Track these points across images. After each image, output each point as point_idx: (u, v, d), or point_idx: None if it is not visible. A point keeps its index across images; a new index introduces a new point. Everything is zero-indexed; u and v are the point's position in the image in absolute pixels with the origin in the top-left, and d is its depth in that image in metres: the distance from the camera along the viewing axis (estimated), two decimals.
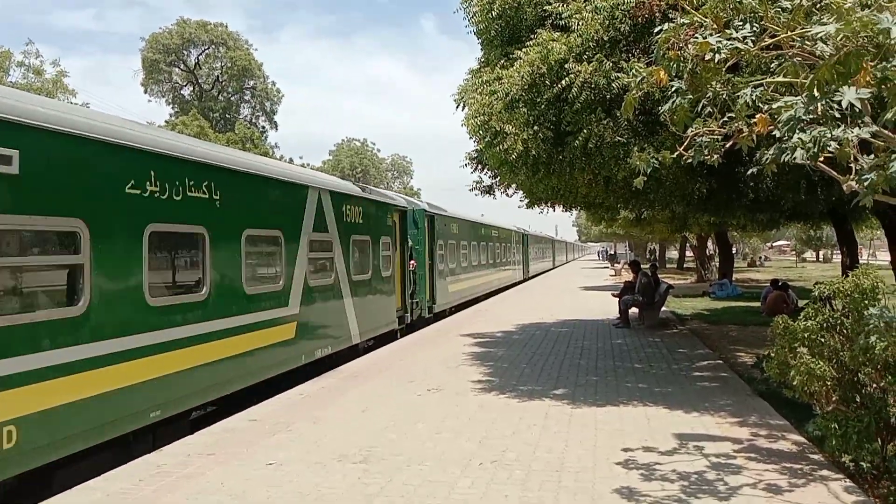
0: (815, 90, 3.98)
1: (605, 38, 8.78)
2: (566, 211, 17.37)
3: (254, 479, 5.88)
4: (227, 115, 64.51)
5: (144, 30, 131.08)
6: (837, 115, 4.14)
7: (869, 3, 4.31)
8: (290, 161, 55.54)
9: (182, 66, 64.00)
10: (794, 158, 4.31)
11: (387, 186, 79.20)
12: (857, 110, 4.10)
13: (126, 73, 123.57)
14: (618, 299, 17.55)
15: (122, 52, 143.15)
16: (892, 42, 3.64)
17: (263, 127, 66.36)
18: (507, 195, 16.52)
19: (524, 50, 9.21)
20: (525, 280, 41.34)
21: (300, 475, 5.94)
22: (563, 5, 9.10)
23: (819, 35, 3.87)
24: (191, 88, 65.12)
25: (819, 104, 4.02)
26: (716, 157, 5.13)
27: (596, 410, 8.18)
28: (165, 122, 54.29)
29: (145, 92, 63.67)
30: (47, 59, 48.30)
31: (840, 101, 3.93)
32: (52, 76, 38.72)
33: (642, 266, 18.98)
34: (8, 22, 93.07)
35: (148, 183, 7.13)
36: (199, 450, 6.74)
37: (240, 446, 6.85)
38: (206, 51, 63.97)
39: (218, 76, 65.10)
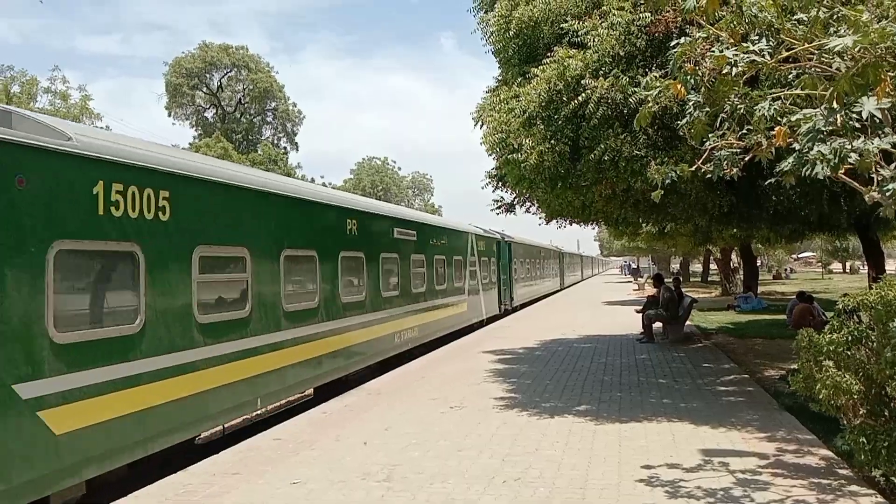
0: (834, 102, 3.98)
1: (622, 54, 8.82)
2: (584, 226, 17.29)
3: (278, 497, 5.92)
4: (249, 137, 65.38)
5: (168, 53, 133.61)
6: (857, 126, 4.13)
7: (888, 14, 4.31)
8: (312, 181, 55.99)
9: (205, 90, 65.02)
10: (815, 173, 4.30)
11: (408, 204, 79.55)
12: (878, 121, 4.09)
13: (150, 96, 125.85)
14: (641, 314, 17.43)
15: (147, 75, 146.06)
16: None
17: (285, 147, 67.12)
18: (529, 212, 16.44)
19: (541, 67, 9.26)
20: (506, 313, 26.92)
21: (324, 493, 5.96)
22: (579, 23, 9.16)
23: (837, 48, 3.87)
24: (214, 111, 66.12)
25: (839, 116, 4.02)
26: (735, 170, 5.12)
27: (620, 427, 8.12)
28: (189, 144, 55.10)
29: (169, 115, 64.80)
30: (73, 84, 49.55)
31: (860, 112, 3.92)
32: (78, 101, 39.54)
33: (665, 280, 18.84)
34: (36, 49, 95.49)
35: None
36: (225, 469, 6.79)
37: (264, 465, 6.89)
38: (229, 74, 64.98)
39: (240, 98, 66.05)
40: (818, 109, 4.17)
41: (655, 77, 8.19)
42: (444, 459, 6.89)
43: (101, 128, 35.86)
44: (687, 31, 6.83)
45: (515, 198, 15.52)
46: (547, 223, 15.80)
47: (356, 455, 7.13)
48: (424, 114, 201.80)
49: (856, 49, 3.75)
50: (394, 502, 5.69)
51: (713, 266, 51.85)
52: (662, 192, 5.61)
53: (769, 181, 6.09)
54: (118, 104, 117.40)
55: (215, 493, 6.05)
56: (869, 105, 3.78)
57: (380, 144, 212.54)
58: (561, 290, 49.30)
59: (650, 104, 5.30)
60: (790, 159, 4.68)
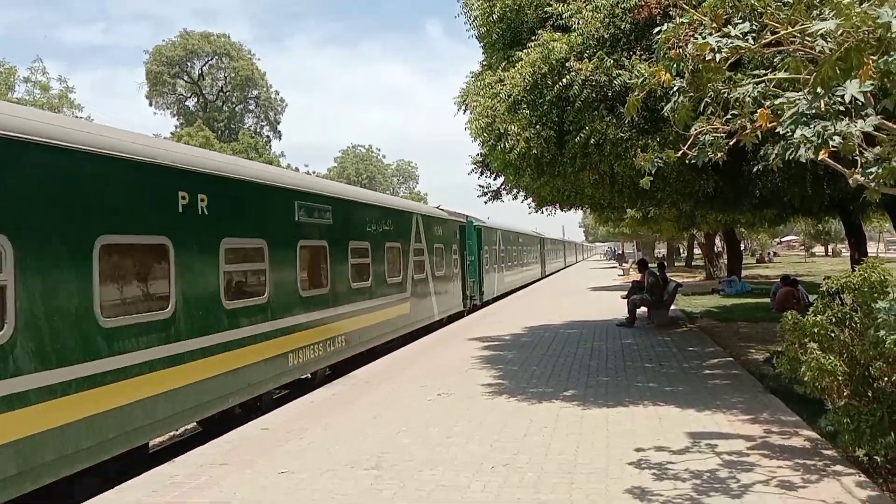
0: (817, 87, 3.98)
1: (606, 36, 8.80)
2: (571, 211, 17.32)
3: (267, 487, 5.90)
4: (231, 126, 64.85)
5: (153, 42, 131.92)
6: (841, 109, 4.14)
7: None
8: (296, 169, 55.71)
9: (186, 78, 64.38)
10: (799, 156, 4.31)
11: (393, 192, 79.37)
12: (861, 104, 4.09)
13: (134, 86, 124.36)
14: (626, 300, 17.52)
15: (132, 64, 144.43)
16: (893, 36, 3.64)
17: (268, 136, 66.65)
18: (514, 198, 16.39)
19: (525, 51, 9.23)
20: (474, 309, 23.49)
21: (313, 482, 5.95)
22: (563, 6, 9.13)
23: (820, 31, 3.87)
24: (195, 100, 65.51)
25: (822, 100, 4.02)
26: (720, 154, 5.12)
27: (607, 411, 8.16)
28: (171, 133, 54.59)
29: (150, 104, 64.17)
30: (54, 74, 48.91)
31: (843, 95, 3.92)
32: (59, 91, 39.07)
33: (649, 265, 18.94)
34: (17, 39, 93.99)
35: None
36: (212, 459, 6.76)
37: (252, 455, 6.86)
38: (210, 62, 64.36)
39: (222, 87, 65.47)
40: (801, 93, 4.17)
41: (639, 61, 8.24)
42: (433, 447, 6.89)
43: (84, 118, 35.42)
44: (671, 13, 6.83)
45: (502, 184, 15.49)
46: (537, 211, 15.77)
47: (345, 443, 7.12)
48: (413, 102, 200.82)
49: (839, 33, 3.74)
50: (383, 490, 5.68)
51: (697, 250, 52.21)
52: (651, 179, 5.59)
53: (754, 164, 6.10)
54: (103, 94, 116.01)
55: (203, 485, 6.02)
56: (852, 88, 3.78)
57: (369, 134, 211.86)
58: (543, 278, 44.34)
59: (637, 92, 5.28)
60: (776, 149, 4.68)
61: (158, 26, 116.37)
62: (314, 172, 65.02)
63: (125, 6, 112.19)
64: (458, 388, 9.77)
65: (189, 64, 64.02)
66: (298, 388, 10.98)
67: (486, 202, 17.76)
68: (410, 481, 5.87)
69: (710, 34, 4.39)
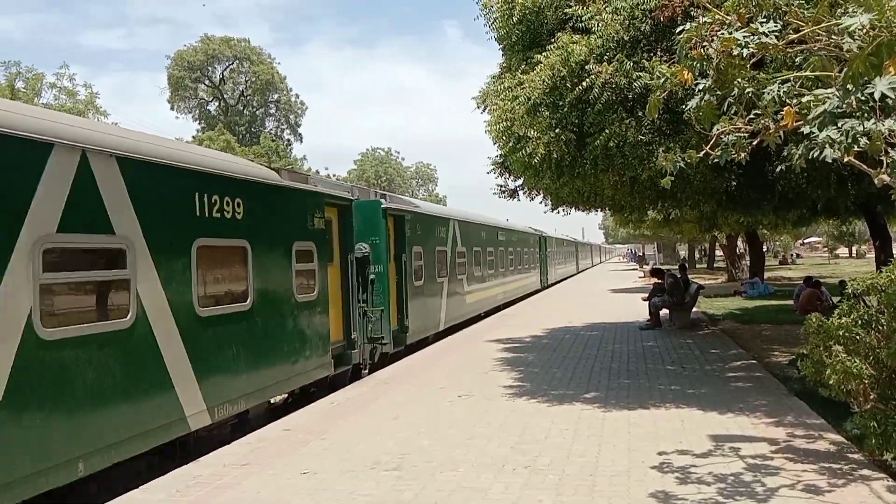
0: (848, 83, 3.92)
1: (626, 39, 8.77)
2: (591, 212, 17.26)
3: (289, 488, 5.93)
4: (252, 129, 65.38)
5: (172, 46, 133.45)
6: (868, 108, 4.08)
7: None
8: (317, 173, 56.00)
9: (207, 82, 65.00)
10: (824, 157, 4.26)
11: (412, 194, 79.50)
12: (891, 101, 4.03)
13: (154, 90, 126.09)
14: (648, 302, 17.42)
15: (151, 69, 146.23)
16: None
17: (288, 139, 67.08)
18: (531, 199, 16.37)
19: (544, 54, 9.22)
20: (380, 362, 13.02)
21: (334, 483, 5.97)
22: (582, 7, 9.11)
23: (851, 27, 3.82)
24: (216, 104, 66.10)
25: (853, 97, 3.96)
26: (743, 155, 5.08)
27: (629, 413, 8.11)
28: (193, 137, 55.14)
29: (172, 109, 64.85)
30: (80, 80, 49.59)
31: (873, 93, 3.87)
32: (85, 97, 39.65)
33: (665, 269, 18.80)
34: (42, 45, 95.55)
35: None
36: (235, 460, 6.82)
37: (274, 456, 6.91)
38: (231, 66, 64.93)
39: (242, 91, 66.01)
40: (831, 90, 4.12)
41: (659, 62, 8.19)
42: (453, 448, 6.89)
43: (114, 124, 35.89)
44: (692, 14, 6.79)
45: (521, 185, 15.47)
46: (552, 211, 15.74)
47: (366, 444, 7.14)
48: (430, 105, 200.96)
49: (870, 28, 3.69)
50: (404, 491, 5.69)
51: (719, 252, 51.75)
52: (672, 179, 5.55)
53: (777, 164, 6.04)
54: (123, 99, 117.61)
55: (226, 485, 6.07)
56: (881, 85, 3.72)
57: (379, 137, 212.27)
58: (544, 288, 36.57)
59: (658, 93, 5.25)
60: (800, 149, 4.63)
61: (177, 30, 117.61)
62: (335, 175, 65.35)
63: (144, 10, 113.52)
64: (479, 390, 9.77)
65: (210, 68, 64.65)
66: None
67: (499, 197, 17.76)
68: (431, 482, 5.87)
69: (736, 30, 4.36)
